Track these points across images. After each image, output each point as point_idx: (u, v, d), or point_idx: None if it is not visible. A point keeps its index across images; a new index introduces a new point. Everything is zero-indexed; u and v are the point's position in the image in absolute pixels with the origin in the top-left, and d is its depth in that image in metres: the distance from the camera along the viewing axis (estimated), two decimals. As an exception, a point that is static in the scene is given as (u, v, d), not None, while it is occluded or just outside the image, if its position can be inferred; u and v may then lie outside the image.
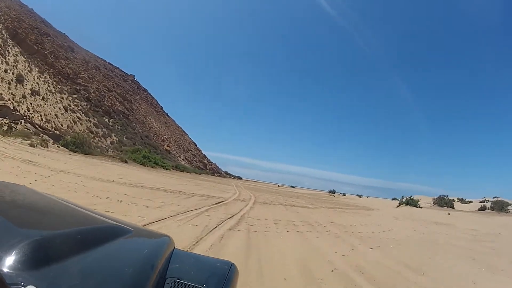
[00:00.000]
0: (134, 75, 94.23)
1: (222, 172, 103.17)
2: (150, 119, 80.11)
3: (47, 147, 32.63)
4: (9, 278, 0.91)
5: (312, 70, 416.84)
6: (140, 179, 21.44)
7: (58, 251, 1.15)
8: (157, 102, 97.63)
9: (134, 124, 67.72)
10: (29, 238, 1.10)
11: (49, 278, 1.00)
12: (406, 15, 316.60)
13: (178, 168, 59.71)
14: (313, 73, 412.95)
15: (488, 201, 65.83)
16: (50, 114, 45.88)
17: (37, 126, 39.92)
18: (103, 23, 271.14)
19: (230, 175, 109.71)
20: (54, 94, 52.18)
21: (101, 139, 49.68)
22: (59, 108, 49.34)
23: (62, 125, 45.62)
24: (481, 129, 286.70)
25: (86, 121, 51.98)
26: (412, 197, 46.64)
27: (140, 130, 67.77)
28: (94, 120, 54.03)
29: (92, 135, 48.48)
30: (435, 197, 71.14)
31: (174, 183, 24.80)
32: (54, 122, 44.90)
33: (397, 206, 41.89)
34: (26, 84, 47.40)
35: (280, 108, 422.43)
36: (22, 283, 0.90)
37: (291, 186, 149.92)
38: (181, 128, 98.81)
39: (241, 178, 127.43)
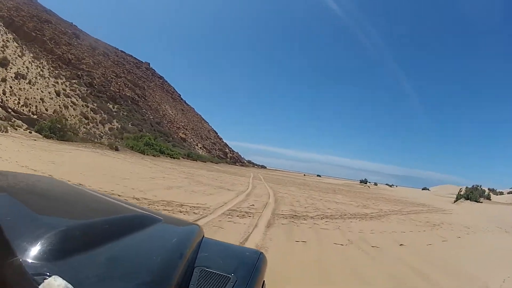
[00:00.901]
0: (149, 63, 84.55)
1: (245, 161, 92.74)
2: (165, 106, 70.36)
3: (7, 132, 24.11)
4: (34, 268, 0.88)
5: (329, 62, 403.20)
6: (71, 171, 11.23)
7: (85, 241, 1.11)
8: (174, 89, 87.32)
9: (144, 110, 58.14)
10: (55, 228, 1.07)
11: (75, 267, 0.97)
12: (411, 12, 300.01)
13: (190, 156, 49.94)
14: (332, 65, 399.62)
15: None
16: (33, 98, 36.75)
17: (9, 110, 31.12)
18: (124, 14, 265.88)
19: (253, 164, 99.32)
20: (46, 78, 43.48)
21: (97, 125, 40.23)
22: (49, 93, 40.25)
23: (47, 109, 36.31)
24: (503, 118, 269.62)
25: (83, 106, 42.61)
26: (472, 190, 35.65)
27: (151, 117, 58.15)
28: (94, 105, 44.68)
29: (87, 121, 39.06)
30: (467, 187, 59.68)
31: (138, 177, 13.91)
32: (37, 106, 35.64)
33: (455, 201, 31.78)
34: (11, 68, 38.93)
35: (303, 98, 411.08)
36: (48, 273, 0.87)
37: (318, 175, 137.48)
38: (200, 115, 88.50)
39: (265, 167, 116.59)
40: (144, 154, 33.43)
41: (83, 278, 0.92)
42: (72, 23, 74.34)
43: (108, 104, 49.93)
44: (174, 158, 41.27)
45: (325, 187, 36.84)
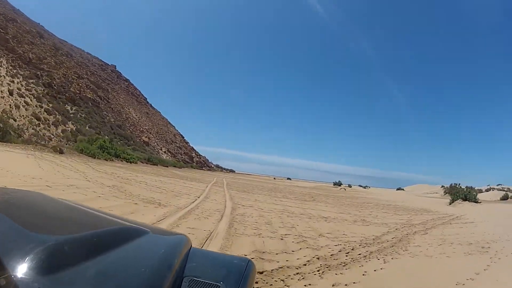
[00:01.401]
0: (115, 65, 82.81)
1: (213, 166, 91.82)
2: (129, 109, 68.73)
3: None
4: (25, 284, 0.88)
5: (304, 65, 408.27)
6: None
7: (74, 255, 1.10)
8: (139, 92, 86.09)
9: (105, 113, 56.46)
10: (43, 243, 1.06)
11: (64, 282, 0.96)
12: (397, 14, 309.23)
13: (151, 160, 48.75)
14: (304, 68, 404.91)
15: (494, 188, 56.13)
16: (-19, 98, 34.97)
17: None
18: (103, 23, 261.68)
19: (221, 169, 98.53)
20: (1, 77, 41.75)
21: (49, 126, 38.51)
22: (1, 92, 38.32)
23: (-6, 110, 34.48)
24: (471, 118, 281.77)
25: (36, 106, 40.78)
26: (469, 190, 35.37)
27: (112, 120, 56.54)
28: (49, 106, 42.83)
29: (38, 122, 37.41)
30: (445, 186, 60.37)
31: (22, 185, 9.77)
32: (-17, 106, 33.89)
33: (451, 203, 30.12)
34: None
35: (271, 101, 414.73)
36: None
37: (288, 178, 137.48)
38: (166, 119, 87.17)
39: (234, 171, 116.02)
40: (94, 157, 32.20)
41: None
42: (39, 23, 72.35)
43: (66, 105, 48.15)
44: (131, 162, 40.07)
45: (300, 192, 33.40)
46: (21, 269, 0.90)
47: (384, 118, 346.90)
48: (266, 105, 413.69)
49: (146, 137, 62.37)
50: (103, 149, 36.31)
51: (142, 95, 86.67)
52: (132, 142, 54.25)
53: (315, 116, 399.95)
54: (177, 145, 77.03)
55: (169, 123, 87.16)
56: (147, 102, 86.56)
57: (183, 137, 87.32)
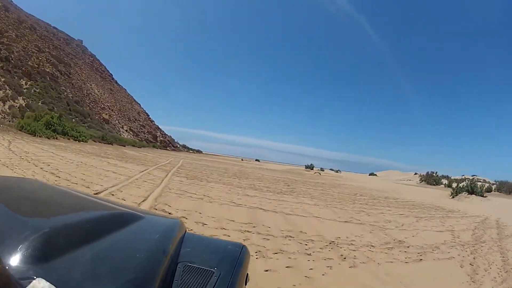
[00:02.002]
0: (82, 40, 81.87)
1: (178, 146, 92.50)
2: (91, 85, 68.49)
3: None
4: (20, 272, 0.88)
5: (277, 43, 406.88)
6: None
7: (68, 241, 1.11)
8: (105, 68, 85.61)
9: (63, 88, 56.32)
10: (38, 230, 1.07)
11: (59, 269, 0.96)
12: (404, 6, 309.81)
13: (105, 139, 48.87)
14: (276, 47, 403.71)
15: (469, 179, 58.31)
16: None
17: None
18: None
19: (188, 149, 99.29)
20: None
21: (-5, 102, 38.53)
22: None
23: None
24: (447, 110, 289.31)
25: (-14, 81, 40.71)
26: (473, 180, 34.07)
27: (70, 95, 56.52)
28: (0, 81, 42.67)
29: (-16, 97, 37.52)
30: (421, 174, 61.66)
31: None
32: None
33: (453, 196, 26.12)
34: None
35: (243, 82, 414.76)
36: (34, 277, 0.87)
37: (256, 160, 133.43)
38: (131, 97, 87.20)
39: (201, 152, 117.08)
40: (34, 135, 32.48)
41: (68, 279, 0.94)
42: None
43: (21, 80, 47.95)
44: (79, 140, 40.06)
45: (272, 178, 27.06)
46: (15, 258, 0.92)
47: (352, 102, 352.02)
48: (239, 85, 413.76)
49: (106, 114, 62.52)
50: (49, 126, 36.36)
51: (108, 71, 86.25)
52: (89, 119, 54.52)
53: (285, 98, 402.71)
54: (141, 123, 77.36)
55: (134, 100, 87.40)
56: (112, 79, 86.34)
57: (148, 116, 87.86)
